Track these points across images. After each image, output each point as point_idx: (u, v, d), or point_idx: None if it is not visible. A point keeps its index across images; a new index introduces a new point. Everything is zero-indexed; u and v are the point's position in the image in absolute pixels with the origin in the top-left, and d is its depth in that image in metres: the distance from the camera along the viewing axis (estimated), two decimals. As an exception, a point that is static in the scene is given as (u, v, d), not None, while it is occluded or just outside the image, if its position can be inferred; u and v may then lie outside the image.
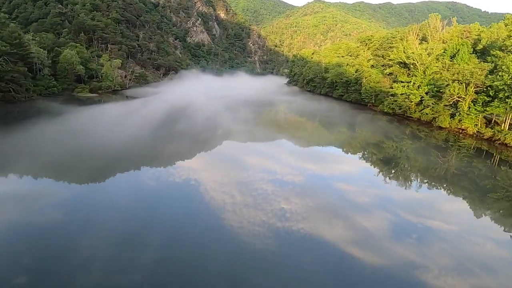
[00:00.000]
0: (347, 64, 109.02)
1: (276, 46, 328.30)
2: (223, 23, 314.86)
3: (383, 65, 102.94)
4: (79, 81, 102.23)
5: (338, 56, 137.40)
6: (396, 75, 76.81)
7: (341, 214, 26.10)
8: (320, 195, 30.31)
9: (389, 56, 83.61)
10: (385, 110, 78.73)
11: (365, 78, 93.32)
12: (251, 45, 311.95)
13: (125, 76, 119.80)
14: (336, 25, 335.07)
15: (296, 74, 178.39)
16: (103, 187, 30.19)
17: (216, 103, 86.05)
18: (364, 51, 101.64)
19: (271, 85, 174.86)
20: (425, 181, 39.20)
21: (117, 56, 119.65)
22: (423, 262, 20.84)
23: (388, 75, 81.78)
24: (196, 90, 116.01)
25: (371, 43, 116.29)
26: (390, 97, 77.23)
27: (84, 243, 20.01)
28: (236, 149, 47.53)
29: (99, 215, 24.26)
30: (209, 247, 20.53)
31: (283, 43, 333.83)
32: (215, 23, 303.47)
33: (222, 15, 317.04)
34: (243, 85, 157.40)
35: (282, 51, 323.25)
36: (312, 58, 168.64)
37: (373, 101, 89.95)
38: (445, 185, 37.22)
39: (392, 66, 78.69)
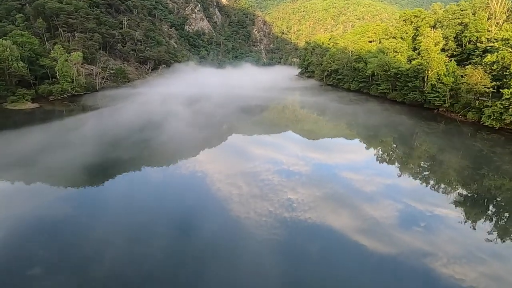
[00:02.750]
0: (394, 50, 77.17)
1: (283, 33, 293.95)
2: (225, 9, 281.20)
3: (445, 49, 71.30)
4: (27, 85, 72.18)
5: (367, 41, 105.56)
6: (507, 67, 45.28)
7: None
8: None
9: (483, 35, 52.02)
10: (487, 123, 47.35)
11: (431, 69, 61.80)
12: (256, 32, 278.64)
13: (98, 74, 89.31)
14: (347, 8, 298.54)
15: (311, 64, 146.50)
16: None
17: (204, 118, 55.09)
18: (429, 30, 69.57)
19: (282, 79, 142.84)
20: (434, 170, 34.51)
21: (83, 47, 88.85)
22: (431, 250, 19.33)
23: (476, 65, 50.50)
24: (186, 91, 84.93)
25: (421, 21, 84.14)
26: (497, 102, 45.88)
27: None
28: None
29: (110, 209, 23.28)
30: (215, 238, 19.92)
31: (291, 29, 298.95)
32: (216, 9, 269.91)
33: (224, 0, 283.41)
34: (248, 80, 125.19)
35: (290, 39, 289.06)
36: (331, 44, 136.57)
37: (447, 104, 58.59)
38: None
39: (496, 52, 47.03)
